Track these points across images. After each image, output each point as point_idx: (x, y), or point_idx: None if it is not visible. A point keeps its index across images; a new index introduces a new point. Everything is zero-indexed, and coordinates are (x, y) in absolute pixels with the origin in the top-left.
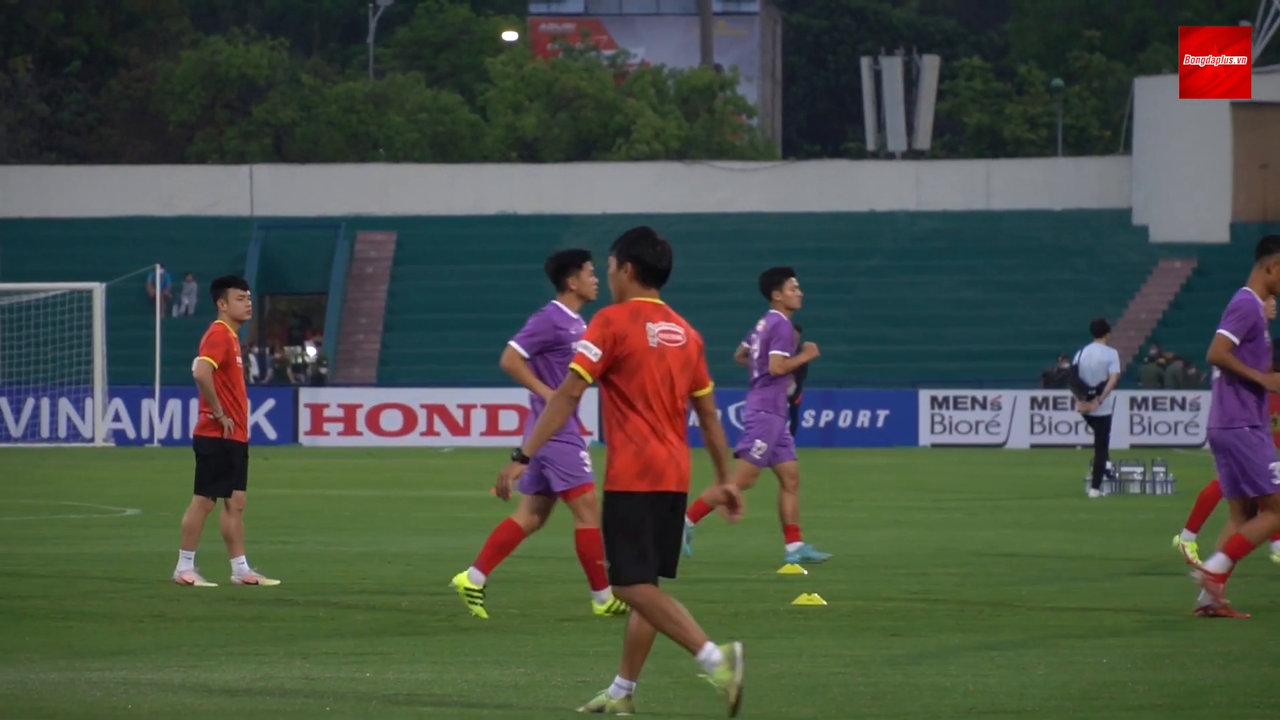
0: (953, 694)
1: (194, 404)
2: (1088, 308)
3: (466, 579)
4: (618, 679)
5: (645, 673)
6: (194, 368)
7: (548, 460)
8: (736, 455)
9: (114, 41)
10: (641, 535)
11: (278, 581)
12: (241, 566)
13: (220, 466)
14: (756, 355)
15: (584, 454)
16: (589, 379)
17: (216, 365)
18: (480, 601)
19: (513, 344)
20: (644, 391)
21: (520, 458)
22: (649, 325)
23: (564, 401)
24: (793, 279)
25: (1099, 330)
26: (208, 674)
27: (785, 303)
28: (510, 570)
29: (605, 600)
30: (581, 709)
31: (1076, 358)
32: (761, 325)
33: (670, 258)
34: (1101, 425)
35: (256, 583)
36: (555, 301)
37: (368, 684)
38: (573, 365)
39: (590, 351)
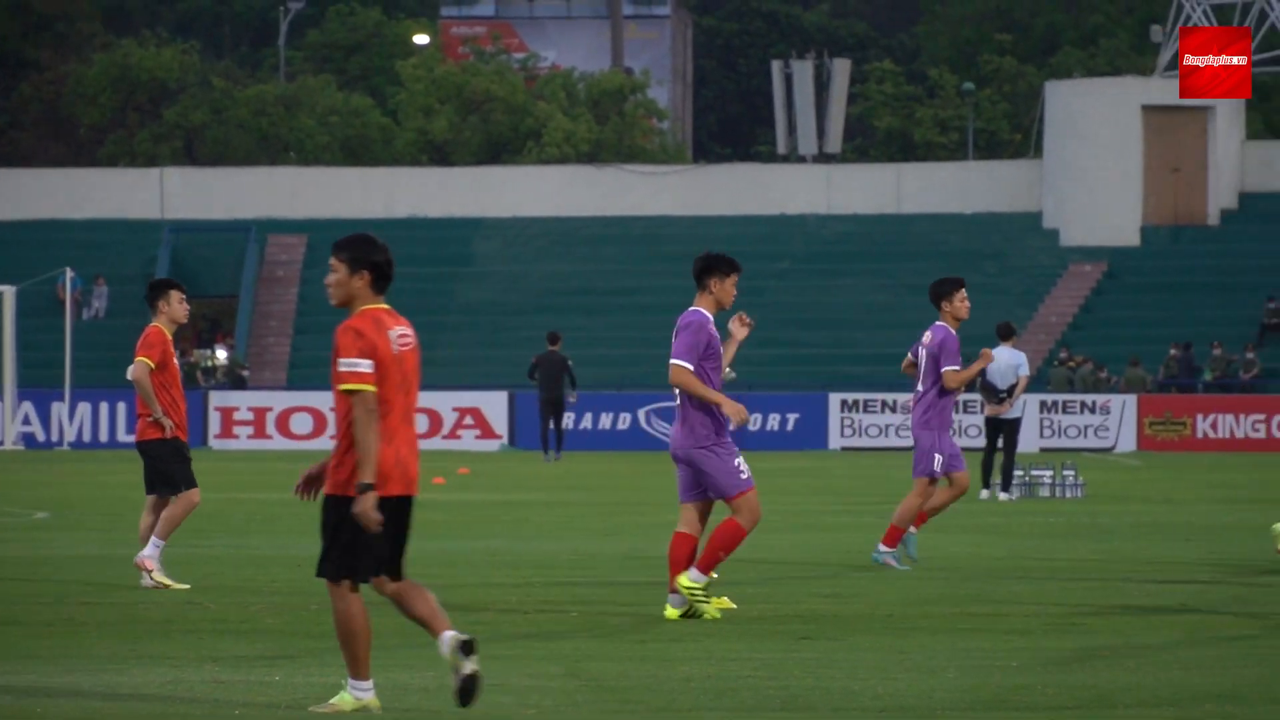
0: (862, 697)
1: (106, 407)
2: (998, 311)
3: (687, 579)
4: (356, 681)
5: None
6: (131, 370)
7: (707, 473)
8: (917, 476)
9: (25, 44)
10: (359, 537)
11: (188, 585)
12: (152, 549)
13: (171, 463)
14: (923, 367)
15: (738, 461)
16: (375, 389)
17: (154, 366)
18: (705, 599)
19: (678, 363)
20: (385, 398)
21: (366, 488)
22: (389, 332)
23: (373, 421)
24: (963, 290)
25: (1005, 333)
26: (117, 678)
27: (954, 313)
28: (421, 574)
29: (699, 580)
30: (315, 709)
31: None
32: (928, 337)
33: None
34: (1011, 428)
35: (167, 587)
36: (696, 306)
37: (277, 688)
38: (358, 386)
39: (364, 366)
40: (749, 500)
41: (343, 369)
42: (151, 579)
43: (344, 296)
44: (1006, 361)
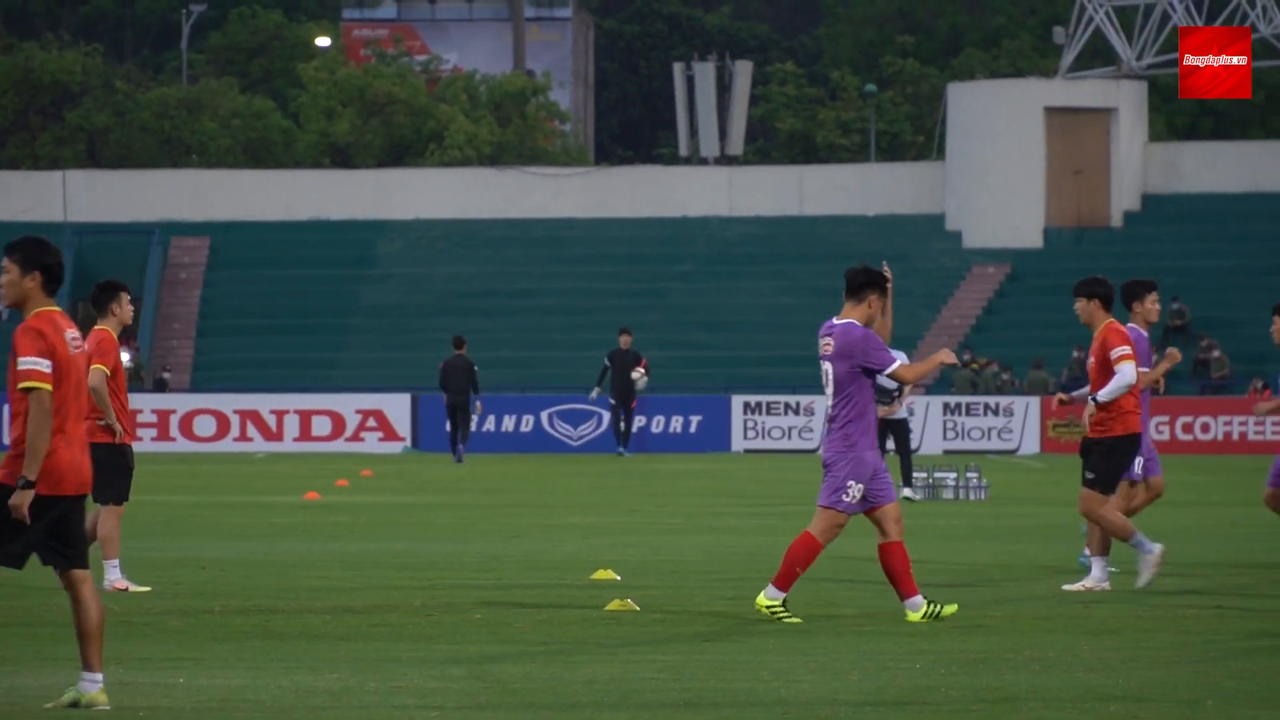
0: (765, 699)
1: (7, 410)
2: (901, 313)
3: (763, 599)
4: (86, 674)
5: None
6: (89, 377)
7: (849, 479)
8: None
9: None
10: (22, 533)
11: (148, 588)
12: (114, 572)
13: (118, 470)
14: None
15: (851, 482)
16: (52, 389)
17: (109, 372)
18: (787, 615)
19: (899, 360)
20: (62, 398)
21: (28, 484)
22: (65, 334)
23: (47, 419)
24: (1154, 293)
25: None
26: (20, 680)
27: (1144, 316)
28: (325, 576)
29: (919, 608)
30: (49, 705)
31: None
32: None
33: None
34: (901, 429)
35: (126, 589)
36: (848, 318)
37: (181, 690)
38: (36, 384)
39: (44, 366)
40: (831, 516)
41: (22, 368)
42: (130, 589)
43: (16, 297)
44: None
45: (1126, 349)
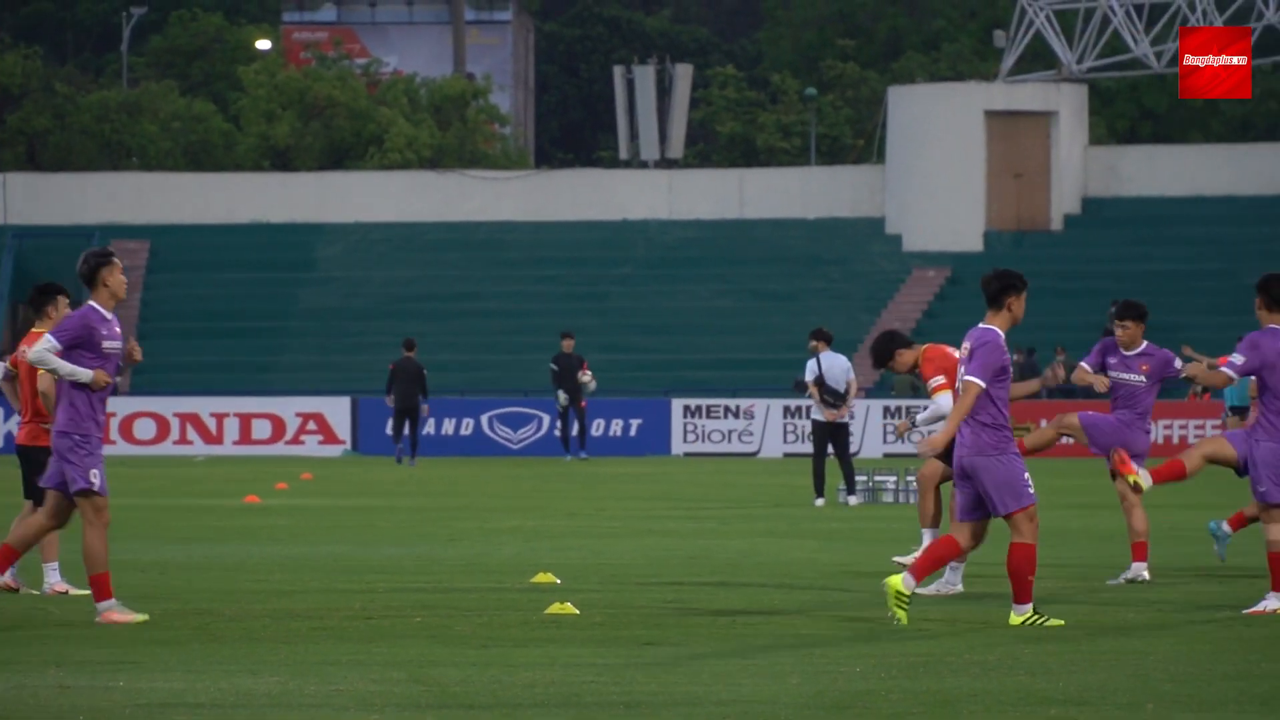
0: (706, 703)
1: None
2: (840, 317)
3: (899, 583)
4: None
5: (393, 676)
6: (41, 381)
7: (990, 485)
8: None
9: None
10: None
11: (88, 591)
12: (54, 575)
13: None
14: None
15: (1027, 474)
16: None
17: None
18: (906, 608)
19: (974, 380)
20: None
21: None
22: None
23: None
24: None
25: (829, 339)
26: (26, 679)
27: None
28: (265, 579)
29: (1024, 613)
30: None
31: (817, 368)
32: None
33: None
34: (843, 432)
35: (66, 593)
36: (989, 324)
37: (121, 693)
38: None
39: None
40: (1029, 515)
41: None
42: (70, 592)
43: None
44: (839, 365)
45: (940, 379)
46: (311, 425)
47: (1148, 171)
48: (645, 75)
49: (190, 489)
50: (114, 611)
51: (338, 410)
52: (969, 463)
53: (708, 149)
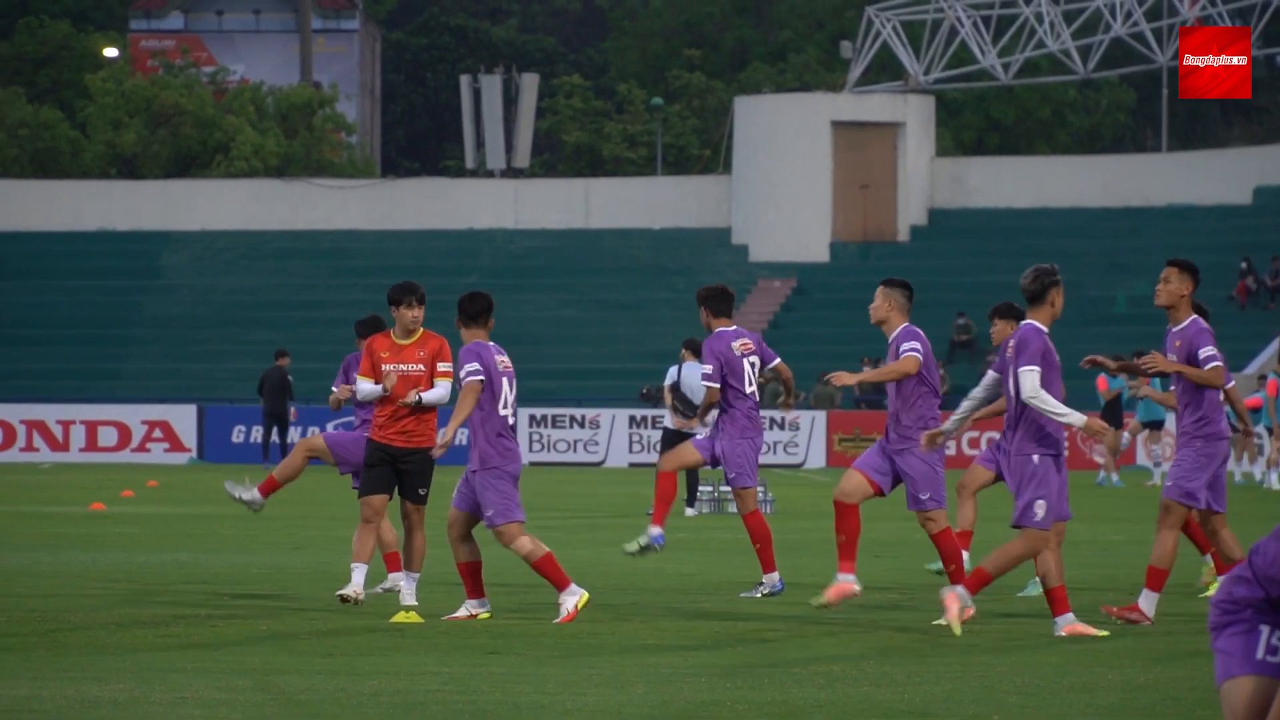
0: (551, 711)
1: None
2: (686, 326)
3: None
4: None
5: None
6: None
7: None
8: None
9: None
10: None
11: None
12: None
13: None
14: None
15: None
16: None
17: None
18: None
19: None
20: None
21: None
22: None
23: None
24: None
25: (697, 350)
26: (29, 689)
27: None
28: (111, 586)
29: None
30: None
31: (674, 375)
32: None
33: None
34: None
35: None
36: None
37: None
38: None
39: None
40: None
41: None
42: None
43: None
44: (699, 378)
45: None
46: (158, 433)
47: (993, 183)
48: (492, 85)
49: (36, 496)
50: None
51: (184, 418)
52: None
53: (554, 159)
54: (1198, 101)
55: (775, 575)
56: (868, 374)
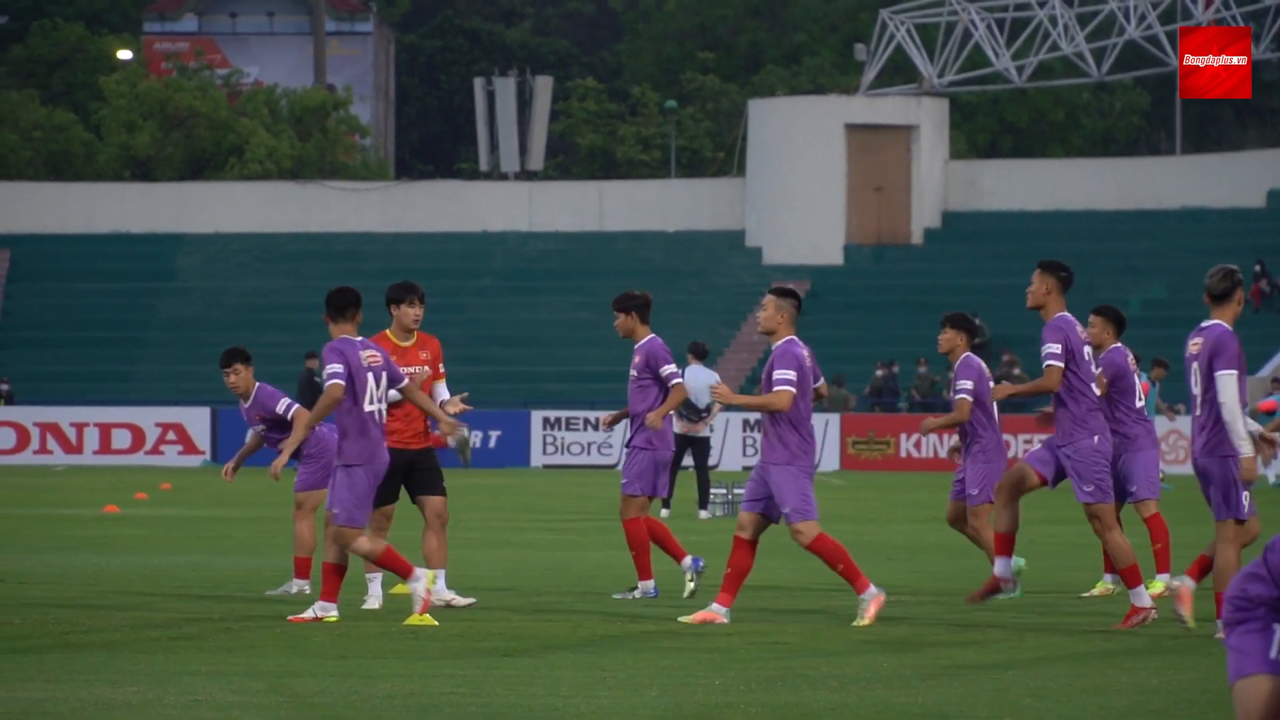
0: (565, 714)
1: None
2: (700, 329)
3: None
4: None
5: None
6: None
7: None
8: None
9: None
10: None
11: None
12: None
13: None
14: None
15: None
16: None
17: None
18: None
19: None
20: None
21: None
22: None
23: None
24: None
25: (700, 353)
26: (25, 693)
27: None
28: (124, 589)
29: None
30: None
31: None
32: None
33: None
34: (703, 446)
35: None
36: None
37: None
38: None
39: None
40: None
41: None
42: None
43: None
44: (703, 380)
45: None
46: (171, 435)
47: (1007, 185)
48: (505, 87)
49: (50, 499)
50: None
51: (197, 420)
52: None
53: (568, 161)
54: (1211, 104)
55: (650, 582)
56: (744, 398)
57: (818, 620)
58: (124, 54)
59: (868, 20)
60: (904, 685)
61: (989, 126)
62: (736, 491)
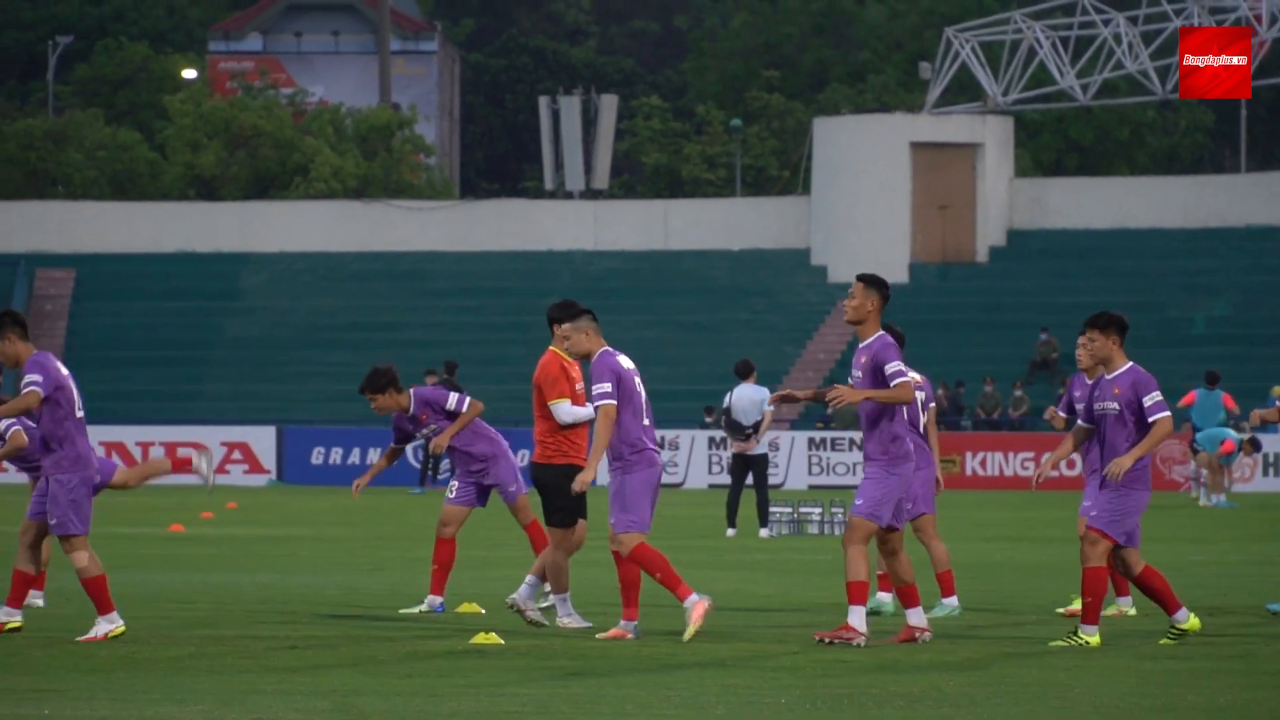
0: None
1: None
2: (765, 348)
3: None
4: None
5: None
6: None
7: None
8: None
9: None
10: None
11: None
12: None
13: None
14: None
15: None
16: None
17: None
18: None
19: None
20: None
21: None
22: None
23: None
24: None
25: (745, 372)
26: (20, 709)
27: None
28: (190, 608)
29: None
30: None
31: (727, 400)
32: None
33: None
34: (760, 464)
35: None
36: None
37: None
38: None
39: None
40: None
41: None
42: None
43: None
44: (750, 398)
45: None
46: (237, 455)
47: (1073, 203)
48: (570, 106)
49: (116, 517)
50: None
51: (263, 440)
52: None
53: (633, 180)
54: (1278, 122)
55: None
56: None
57: (884, 637)
58: (189, 73)
59: (932, 38)
60: (970, 704)
61: (1054, 144)
62: (802, 510)
